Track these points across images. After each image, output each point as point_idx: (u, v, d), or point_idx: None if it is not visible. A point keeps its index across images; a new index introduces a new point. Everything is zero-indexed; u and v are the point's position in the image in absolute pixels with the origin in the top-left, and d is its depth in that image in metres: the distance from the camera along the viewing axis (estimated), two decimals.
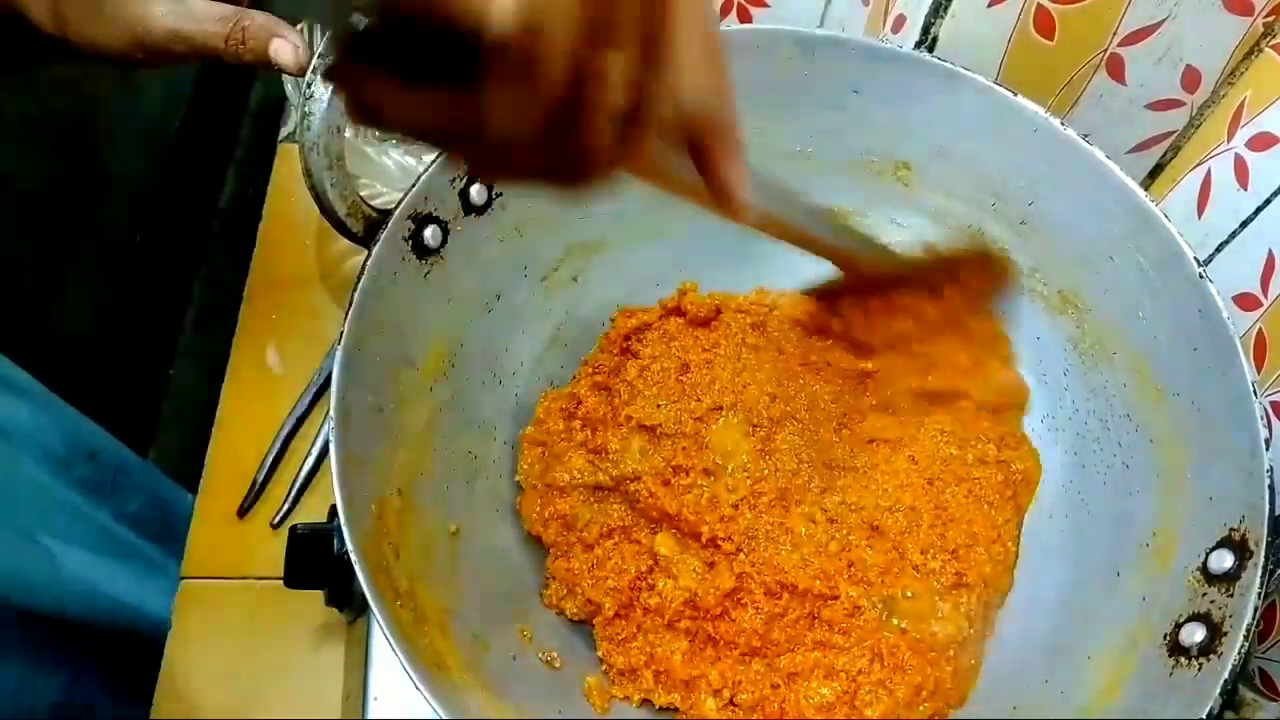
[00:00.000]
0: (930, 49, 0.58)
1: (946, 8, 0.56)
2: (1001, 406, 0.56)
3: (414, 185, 0.48)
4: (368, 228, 0.48)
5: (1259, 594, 0.40)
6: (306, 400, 0.65)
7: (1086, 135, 0.50)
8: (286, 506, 0.62)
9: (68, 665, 0.64)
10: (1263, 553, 0.41)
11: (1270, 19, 0.54)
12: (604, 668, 0.51)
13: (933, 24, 0.57)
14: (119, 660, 0.65)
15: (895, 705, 0.48)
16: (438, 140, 0.29)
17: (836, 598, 0.51)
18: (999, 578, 0.52)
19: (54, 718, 0.63)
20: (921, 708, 0.49)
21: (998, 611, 0.52)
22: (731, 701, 0.49)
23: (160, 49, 0.47)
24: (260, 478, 0.63)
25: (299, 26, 0.47)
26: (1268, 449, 0.42)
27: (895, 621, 0.51)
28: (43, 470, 0.67)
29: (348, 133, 0.47)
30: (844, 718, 0.48)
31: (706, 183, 0.35)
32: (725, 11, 0.64)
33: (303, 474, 0.63)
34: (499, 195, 0.52)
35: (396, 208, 0.48)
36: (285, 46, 0.47)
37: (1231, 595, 0.42)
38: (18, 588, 0.60)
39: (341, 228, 0.47)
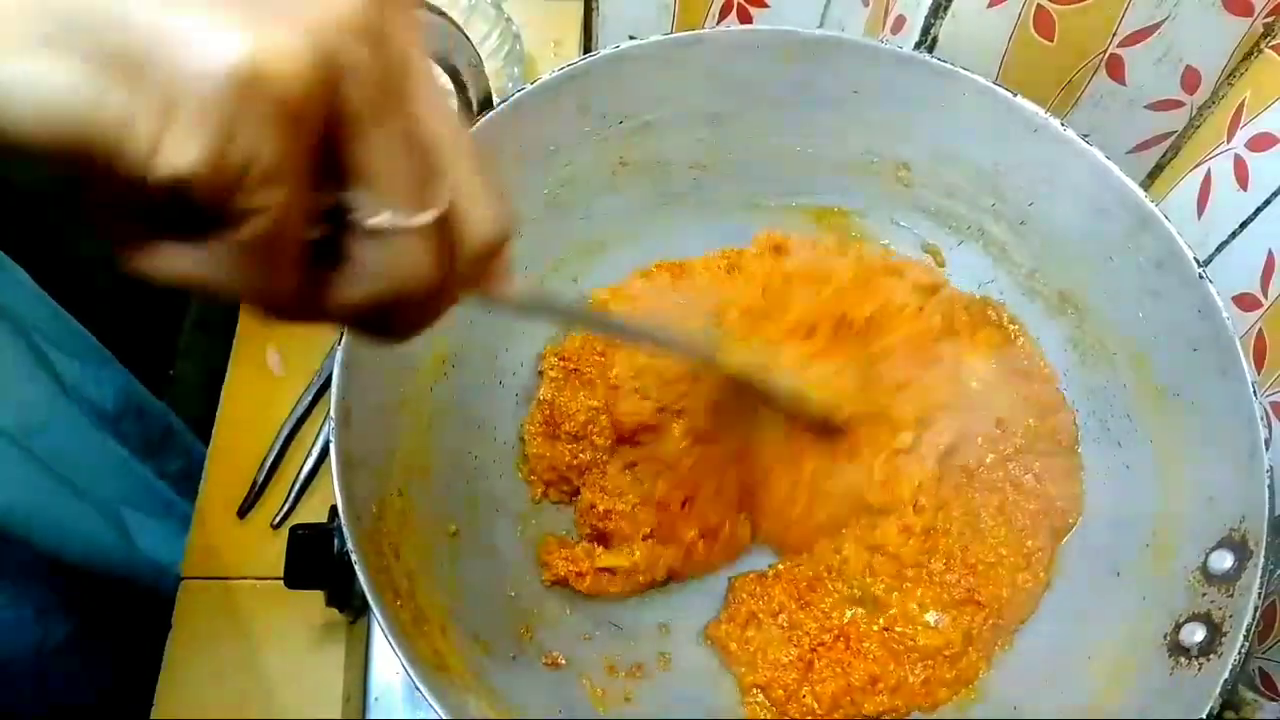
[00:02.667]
0: (930, 49, 0.58)
1: (946, 8, 0.56)
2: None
3: None
4: None
5: (1259, 594, 0.40)
6: (306, 400, 0.65)
7: (1086, 135, 0.50)
8: (286, 506, 0.62)
9: (84, 608, 0.66)
10: (1263, 553, 0.41)
11: (1270, 19, 0.54)
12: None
13: (933, 24, 0.57)
14: (136, 609, 0.65)
15: (847, 688, 0.49)
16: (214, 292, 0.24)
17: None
18: (1020, 605, 0.51)
19: (62, 653, 0.64)
20: (878, 699, 0.49)
21: (1014, 634, 0.51)
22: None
23: None
24: (260, 478, 0.63)
25: None
26: (1267, 449, 0.42)
27: (879, 619, 0.51)
28: (93, 426, 0.68)
29: None
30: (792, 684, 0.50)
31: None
32: (725, 12, 0.64)
33: (303, 474, 0.63)
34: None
35: None
36: None
37: (1231, 595, 0.42)
38: (49, 532, 0.61)
39: None
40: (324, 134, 0.22)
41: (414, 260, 0.24)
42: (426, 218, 0.24)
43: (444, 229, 0.25)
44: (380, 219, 0.23)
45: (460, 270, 0.26)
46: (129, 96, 0.19)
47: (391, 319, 0.26)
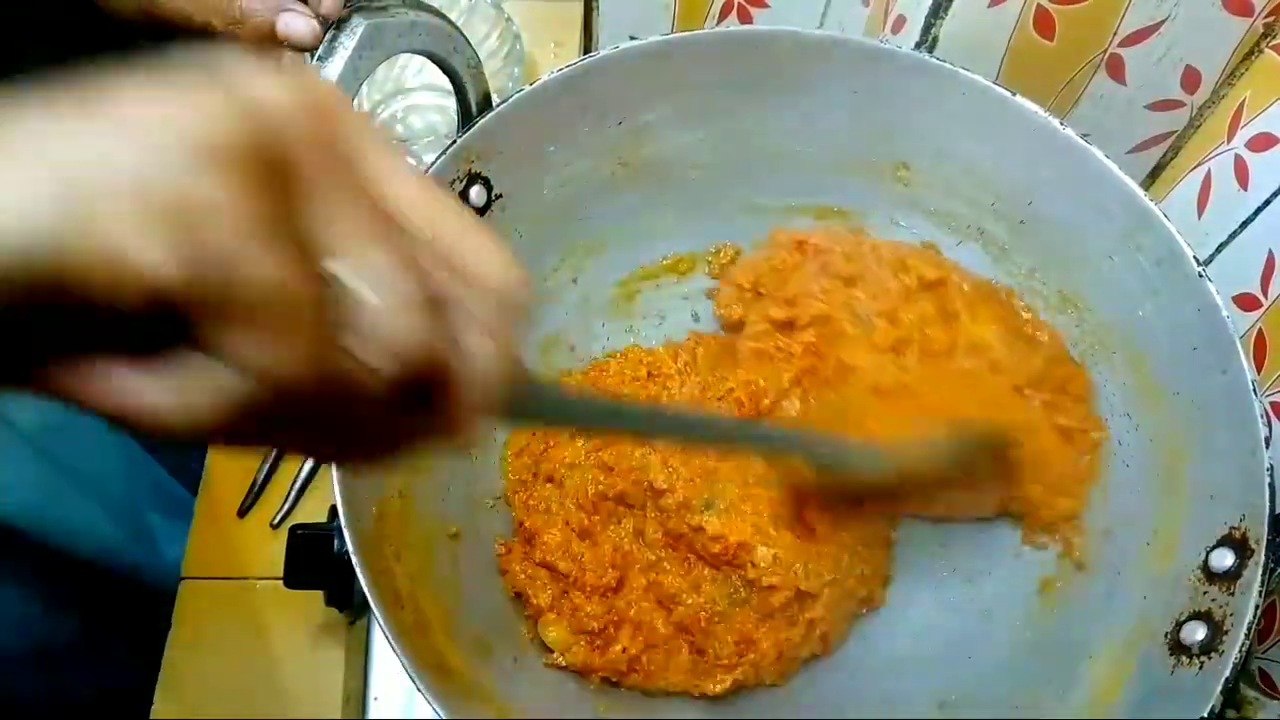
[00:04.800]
0: (930, 49, 0.58)
1: (946, 8, 0.56)
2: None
3: None
4: None
5: (1260, 592, 0.40)
6: None
7: (1086, 135, 0.50)
8: (286, 506, 0.62)
9: (94, 606, 0.66)
10: (1263, 551, 0.41)
11: (1270, 19, 0.54)
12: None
13: (933, 24, 0.57)
14: (147, 608, 0.65)
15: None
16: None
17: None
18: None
19: (70, 651, 0.64)
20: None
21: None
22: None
23: (165, 20, 0.47)
24: (260, 478, 0.63)
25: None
26: (1267, 447, 0.42)
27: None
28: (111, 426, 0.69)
29: None
30: None
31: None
32: (725, 12, 0.64)
33: (303, 474, 0.63)
34: (499, 197, 0.52)
35: None
36: (297, 20, 0.46)
37: (1232, 594, 0.42)
38: (61, 531, 0.61)
39: None
40: (282, 198, 0.20)
41: (408, 330, 0.21)
42: (412, 287, 0.21)
43: (437, 296, 0.22)
44: (355, 280, 0.20)
45: (471, 335, 0.23)
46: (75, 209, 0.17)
47: (424, 412, 0.23)
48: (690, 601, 0.51)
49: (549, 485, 0.54)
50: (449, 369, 0.23)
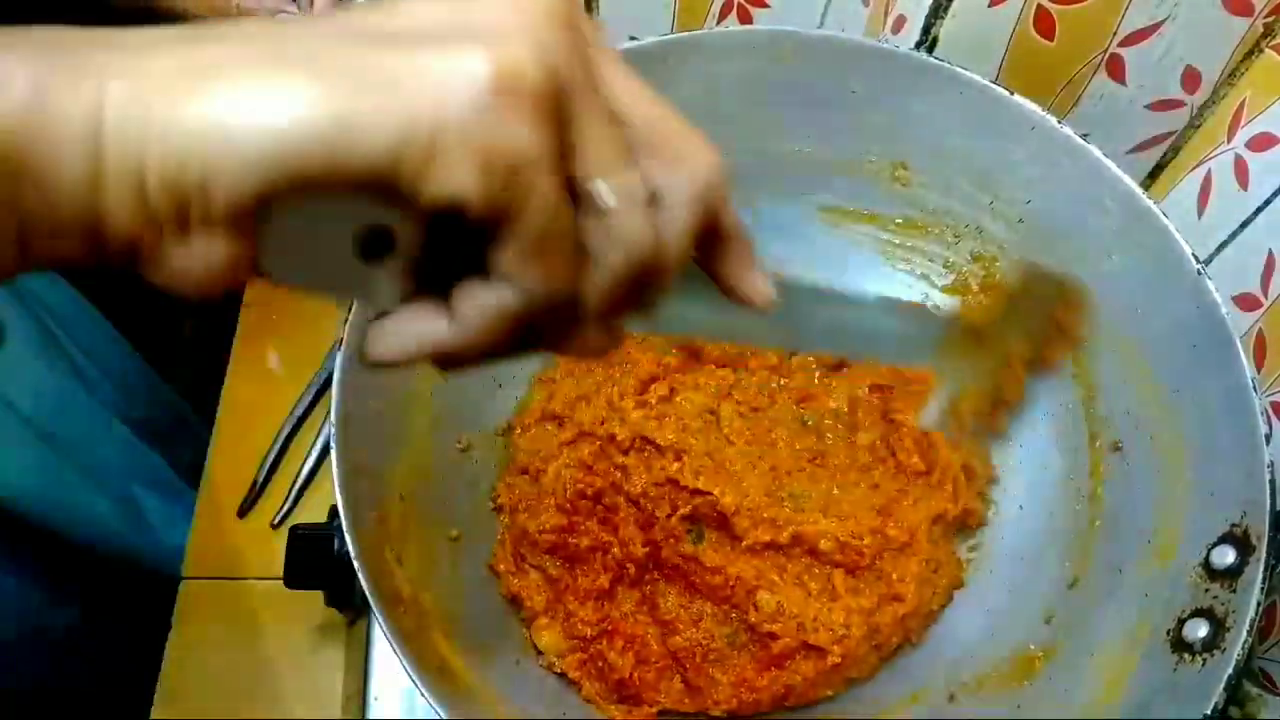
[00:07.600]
0: (930, 49, 0.58)
1: (946, 8, 0.56)
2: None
3: None
4: None
5: (1261, 589, 0.40)
6: (306, 400, 0.65)
7: (1086, 135, 0.50)
8: (286, 506, 0.62)
9: (93, 592, 0.67)
10: (1264, 548, 0.41)
11: (1270, 19, 0.54)
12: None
13: (933, 24, 0.57)
14: (145, 592, 0.65)
15: None
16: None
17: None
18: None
19: (69, 638, 0.64)
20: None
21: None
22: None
23: (162, 10, 0.47)
24: (260, 478, 0.63)
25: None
26: (1268, 444, 0.42)
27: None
28: (106, 412, 0.69)
29: None
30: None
31: (723, 289, 0.30)
32: (725, 12, 0.64)
33: (303, 474, 0.63)
34: None
35: None
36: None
37: (1234, 591, 0.42)
38: (60, 516, 0.62)
39: None
40: (562, 131, 0.22)
41: (640, 229, 0.24)
42: (641, 190, 0.24)
43: (651, 189, 0.25)
44: (608, 195, 0.23)
45: (678, 231, 0.25)
46: (386, 121, 0.20)
47: (637, 299, 0.26)
48: (688, 634, 0.50)
49: (523, 477, 0.54)
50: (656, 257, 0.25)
